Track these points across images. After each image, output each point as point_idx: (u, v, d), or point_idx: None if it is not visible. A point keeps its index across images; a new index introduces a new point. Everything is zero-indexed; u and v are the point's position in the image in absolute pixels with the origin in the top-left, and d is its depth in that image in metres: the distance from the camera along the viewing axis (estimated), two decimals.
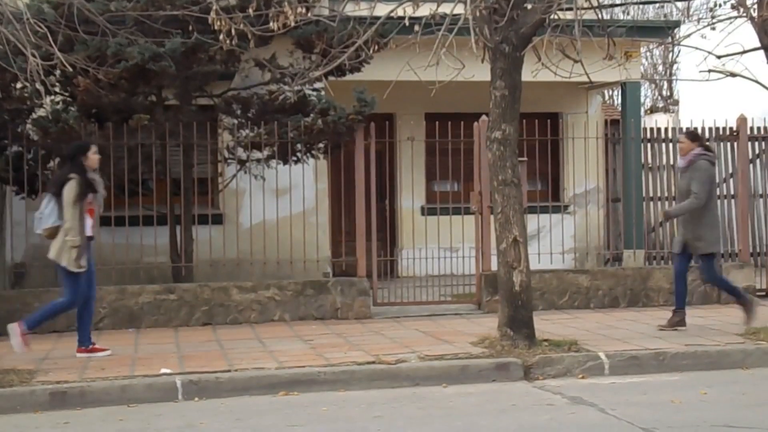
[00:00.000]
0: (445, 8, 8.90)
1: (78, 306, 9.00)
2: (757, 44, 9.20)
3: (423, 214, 14.01)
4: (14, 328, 8.81)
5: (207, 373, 7.96)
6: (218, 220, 12.72)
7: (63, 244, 8.74)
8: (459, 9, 8.81)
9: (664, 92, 33.83)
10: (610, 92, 31.12)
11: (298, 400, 7.63)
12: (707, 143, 10.24)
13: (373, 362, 8.33)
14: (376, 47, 9.49)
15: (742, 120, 12.66)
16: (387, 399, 7.61)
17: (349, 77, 11.54)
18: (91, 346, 9.04)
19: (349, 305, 11.28)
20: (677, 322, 9.85)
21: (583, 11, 8.76)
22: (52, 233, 8.81)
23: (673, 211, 10.33)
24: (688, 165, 9.76)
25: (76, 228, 8.72)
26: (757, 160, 15.68)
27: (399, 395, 7.74)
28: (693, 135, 10.00)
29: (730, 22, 9.50)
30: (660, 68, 33.83)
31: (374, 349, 8.91)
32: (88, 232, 8.90)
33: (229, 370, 8.08)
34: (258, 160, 11.88)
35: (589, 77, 8.91)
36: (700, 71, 9.57)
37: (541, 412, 7.06)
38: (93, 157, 9.01)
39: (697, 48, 9.40)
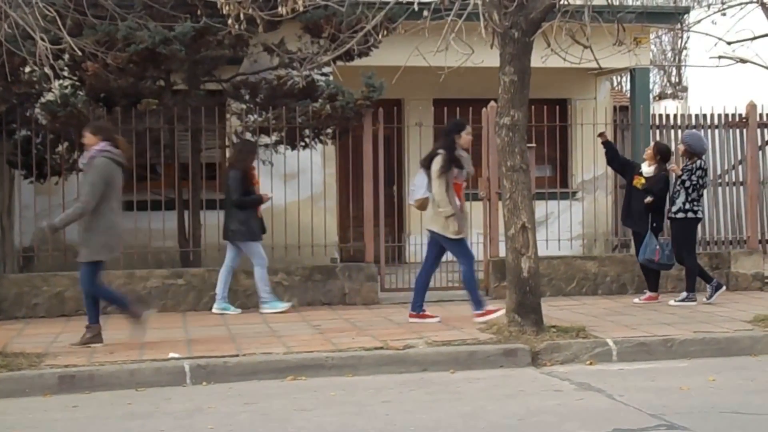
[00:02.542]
0: None
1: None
2: None
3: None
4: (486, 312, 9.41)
5: (215, 358, 7.97)
6: None
7: (434, 214, 9.37)
8: None
9: (672, 79, 33.72)
10: (619, 78, 31.03)
11: (307, 384, 7.64)
12: (117, 137, 8.79)
13: (381, 347, 8.34)
14: (385, 32, 9.46)
15: (751, 107, 12.61)
16: (395, 384, 7.62)
17: (357, 62, 11.52)
18: (422, 312, 9.63)
19: (357, 290, 11.29)
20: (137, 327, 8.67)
21: None
22: (423, 204, 9.55)
23: (58, 223, 8.66)
24: (88, 163, 8.57)
25: (444, 199, 9.30)
26: (766, 147, 15.67)
27: (407, 380, 7.75)
28: (96, 128, 8.75)
29: (741, 8, 9.44)
30: (669, 54, 33.72)
31: (382, 335, 8.92)
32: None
33: (237, 355, 8.09)
34: (266, 145, 11.87)
35: (598, 63, 8.88)
36: (710, 57, 9.52)
37: (549, 398, 7.07)
38: (466, 137, 9.59)
39: (707, 34, 9.34)
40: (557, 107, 13.12)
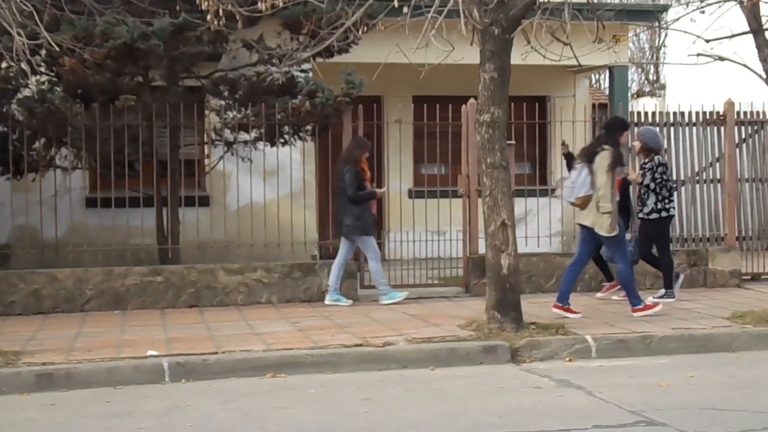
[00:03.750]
0: None
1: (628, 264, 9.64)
2: (746, 28, 9.18)
3: (410, 197, 14.04)
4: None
5: (194, 355, 7.93)
6: (205, 202, 12.69)
7: (590, 209, 9.31)
8: None
9: (650, 77, 33.88)
10: (597, 76, 31.15)
11: (286, 382, 7.61)
12: None
13: (361, 345, 8.33)
14: (365, 29, 9.44)
15: (729, 104, 12.67)
16: (375, 381, 7.61)
17: (337, 59, 11.49)
18: (567, 306, 9.65)
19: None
20: None
21: None
22: (586, 202, 9.35)
23: None
24: None
25: (608, 195, 9.23)
26: (744, 145, 15.75)
27: (387, 378, 7.74)
28: None
29: (719, 5, 9.50)
30: (647, 52, 33.87)
31: (362, 332, 8.91)
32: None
33: (216, 353, 8.06)
34: (245, 142, 11.84)
35: (578, 60, 8.89)
36: (689, 55, 9.57)
37: (529, 395, 7.07)
38: (625, 137, 9.93)
39: (686, 32, 9.39)
40: (536, 104, 13.16)
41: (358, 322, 9.57)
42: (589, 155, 9.40)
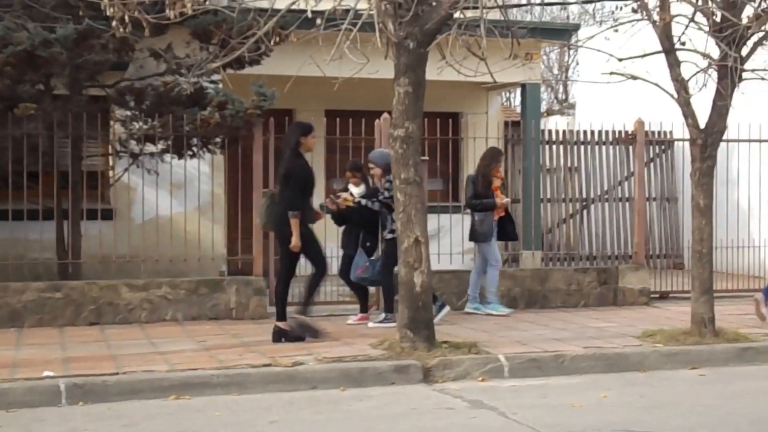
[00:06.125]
0: (349, 1, 8.68)
1: None
2: (659, 47, 9.23)
3: (322, 211, 13.76)
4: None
5: (93, 376, 7.55)
6: (108, 215, 12.25)
7: None
8: (363, 4, 8.62)
9: (559, 96, 34.34)
10: (508, 94, 31.46)
11: (191, 403, 7.31)
12: None
13: (269, 364, 8.06)
14: (277, 39, 9.23)
15: (639, 123, 12.79)
16: (283, 403, 7.36)
17: (248, 70, 11.22)
18: None
19: (245, 305, 10.95)
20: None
21: (487, 10, 8.65)
22: None
23: None
24: None
25: None
26: (651, 164, 15.98)
27: (295, 399, 7.49)
28: None
29: (632, 25, 9.52)
30: (555, 71, 34.35)
31: (270, 351, 8.65)
32: None
33: (116, 373, 7.70)
34: (151, 154, 11.47)
35: (493, 76, 8.80)
36: (602, 73, 9.57)
37: (442, 417, 6.91)
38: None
39: (599, 50, 9.39)
40: (450, 120, 13.11)
41: (267, 341, 9.29)
42: None
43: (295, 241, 9.11)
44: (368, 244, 10.56)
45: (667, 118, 13.15)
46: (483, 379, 8.20)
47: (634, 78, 9.29)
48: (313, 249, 9.37)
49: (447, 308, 10.62)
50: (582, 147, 15.58)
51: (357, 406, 7.27)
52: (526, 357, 8.54)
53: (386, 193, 10.14)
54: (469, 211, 11.48)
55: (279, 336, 9.23)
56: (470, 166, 13.76)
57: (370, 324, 10.37)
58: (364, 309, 10.80)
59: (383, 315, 10.43)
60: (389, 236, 10.17)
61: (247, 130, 11.27)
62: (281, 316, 9.35)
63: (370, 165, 10.55)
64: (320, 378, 7.93)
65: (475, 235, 11.37)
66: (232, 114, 10.91)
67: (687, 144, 12.69)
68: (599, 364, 8.63)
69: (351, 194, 10.63)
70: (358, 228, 10.63)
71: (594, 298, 12.07)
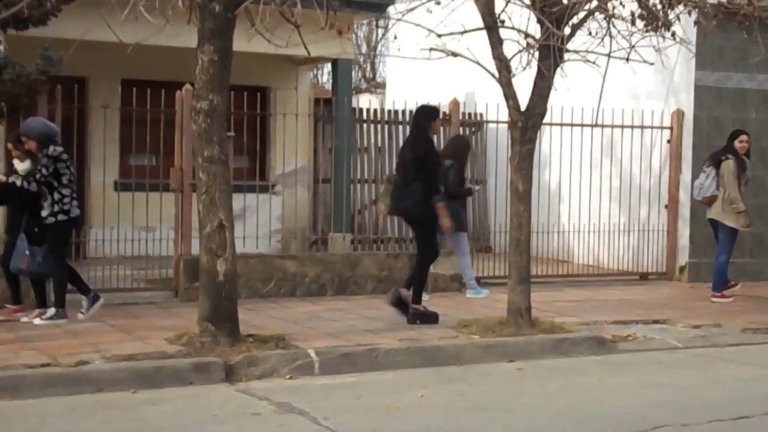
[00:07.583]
0: None
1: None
2: (481, 24, 8.78)
3: (116, 189, 12.73)
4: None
5: None
6: None
7: (724, 209, 11.21)
8: None
9: (367, 74, 34.00)
10: (316, 71, 30.85)
11: None
12: None
13: (49, 364, 7.10)
14: None
15: (454, 104, 12.41)
16: (64, 409, 6.45)
17: (33, 32, 10.01)
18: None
19: (26, 292, 9.78)
20: None
21: None
22: (712, 201, 11.32)
23: None
24: None
25: (738, 197, 11.17)
26: None
27: (79, 404, 6.59)
28: None
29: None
30: (364, 50, 33.94)
31: (51, 348, 7.67)
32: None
33: None
34: None
35: (306, 48, 8.12)
36: (421, 49, 9.05)
37: (246, 424, 6.19)
38: (740, 145, 11.37)
39: (418, 25, 8.86)
40: (258, 95, 12.36)
41: (48, 335, 8.28)
42: (716, 162, 11.28)
43: (447, 222, 9.39)
44: (36, 229, 9.08)
45: (481, 100, 12.85)
46: (291, 376, 7.53)
47: (455, 55, 8.81)
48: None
49: (101, 300, 9.36)
50: (395, 126, 15.11)
51: (149, 412, 6.45)
52: (337, 352, 7.93)
53: (44, 171, 8.81)
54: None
55: (415, 318, 9.30)
56: (279, 143, 13.09)
57: (37, 321, 8.95)
58: (18, 301, 9.34)
59: (53, 310, 9.05)
60: (51, 220, 8.90)
61: (31, 97, 10.07)
62: (417, 299, 9.42)
63: (23, 138, 9.04)
64: (108, 379, 7.05)
65: (457, 224, 10.78)
66: (12, 79, 9.67)
67: (499, 126, 12.52)
68: (414, 357, 8.12)
69: (15, 171, 9.13)
70: (22, 211, 9.19)
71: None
